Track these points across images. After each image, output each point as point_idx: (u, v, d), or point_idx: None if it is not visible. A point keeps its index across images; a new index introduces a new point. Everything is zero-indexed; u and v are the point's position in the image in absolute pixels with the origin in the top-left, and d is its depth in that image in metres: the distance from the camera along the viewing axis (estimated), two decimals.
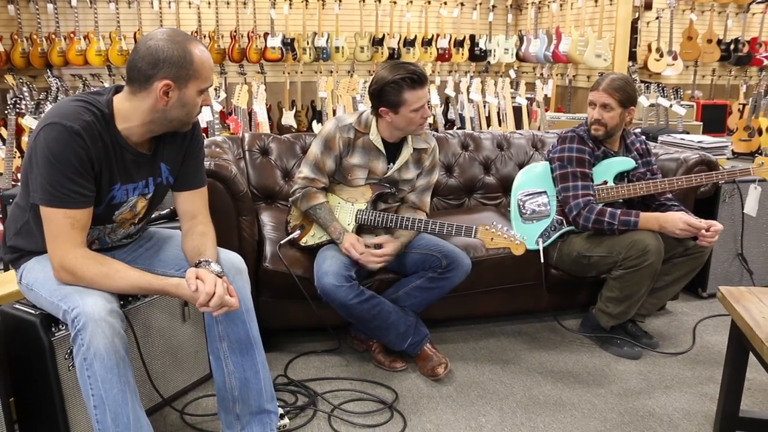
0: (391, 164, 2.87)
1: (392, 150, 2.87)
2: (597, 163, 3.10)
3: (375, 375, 2.86)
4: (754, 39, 9.38)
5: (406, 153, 2.87)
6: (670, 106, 6.76)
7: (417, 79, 2.65)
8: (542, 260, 2.93)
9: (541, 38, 8.33)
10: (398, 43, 8.67)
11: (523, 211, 3.14)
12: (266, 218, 3.24)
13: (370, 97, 2.76)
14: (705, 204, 3.59)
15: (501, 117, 7.20)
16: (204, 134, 5.92)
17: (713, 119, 7.59)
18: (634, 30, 7.96)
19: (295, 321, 3.04)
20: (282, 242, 2.92)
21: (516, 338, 3.22)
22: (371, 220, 2.84)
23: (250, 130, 5.80)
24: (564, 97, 8.54)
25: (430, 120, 2.84)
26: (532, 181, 3.19)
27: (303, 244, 2.93)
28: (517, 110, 7.29)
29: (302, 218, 2.98)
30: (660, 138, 4.43)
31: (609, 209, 2.99)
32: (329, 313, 2.81)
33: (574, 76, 8.41)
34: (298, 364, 2.94)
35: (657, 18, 8.58)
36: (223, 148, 3.33)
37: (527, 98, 7.18)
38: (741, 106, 8.74)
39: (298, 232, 2.95)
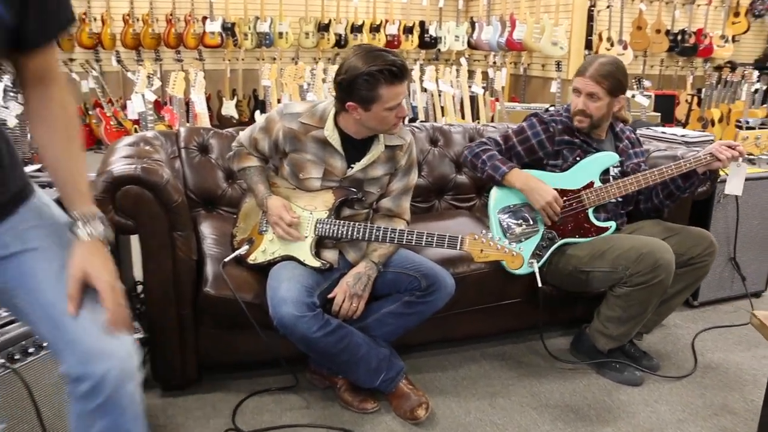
0: (354, 164, 2.34)
1: (358, 147, 2.34)
2: (574, 154, 2.65)
3: (342, 419, 2.34)
4: (699, 30, 9.19)
5: (376, 151, 2.35)
6: (633, 96, 6.43)
7: (397, 73, 2.13)
8: (539, 283, 2.45)
9: (494, 25, 7.89)
10: (345, 28, 8.10)
11: (507, 231, 2.64)
12: (207, 229, 2.68)
13: (337, 88, 2.22)
14: (700, 207, 3.18)
15: (455, 107, 6.74)
16: (136, 127, 5.27)
17: (663, 110, 7.33)
18: (590, 18, 7.59)
19: (244, 355, 2.50)
20: (226, 260, 2.37)
21: (501, 363, 2.75)
22: (334, 231, 2.32)
23: (188, 121, 5.18)
24: (518, 86, 8.14)
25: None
26: (510, 194, 2.68)
27: (252, 262, 2.38)
28: (471, 100, 6.84)
29: (252, 230, 2.44)
30: (638, 132, 4.01)
31: (493, 151, 2.64)
32: (283, 343, 2.26)
33: (528, 64, 8.01)
34: (248, 408, 2.39)
35: (608, 7, 8.27)
36: (154, 146, 2.74)
37: (483, 87, 6.73)
38: (689, 97, 8.54)
39: (245, 247, 2.40)
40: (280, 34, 7.81)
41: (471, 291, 2.59)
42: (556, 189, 2.57)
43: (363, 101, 2.16)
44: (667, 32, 8.86)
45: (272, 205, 2.34)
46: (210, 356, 2.44)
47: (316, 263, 2.31)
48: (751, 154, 2.65)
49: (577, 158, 2.65)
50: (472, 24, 8.40)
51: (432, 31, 8.54)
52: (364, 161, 2.34)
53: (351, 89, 2.15)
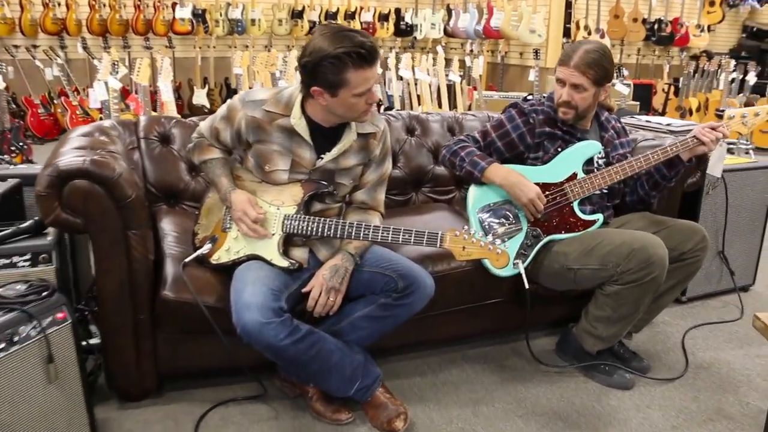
0: (324, 155, 2.14)
1: (328, 136, 2.14)
2: (555, 145, 2.48)
3: (314, 430, 2.15)
4: (675, 19, 9.09)
5: (347, 140, 2.15)
6: (613, 84, 6.29)
7: (365, 56, 1.92)
8: (526, 285, 2.26)
9: (471, 12, 7.70)
10: (319, 15, 7.86)
11: (489, 231, 2.43)
12: (168, 226, 2.46)
13: (301, 72, 2.02)
14: (689, 199, 3.02)
15: (432, 95, 6.55)
16: (99, 115, 5.01)
17: (640, 99, 7.22)
18: (568, 5, 7.43)
19: (207, 362, 2.29)
20: (187, 260, 2.16)
21: (483, 366, 2.57)
22: (303, 227, 2.12)
23: (155, 110, 4.92)
24: (495, 74, 7.97)
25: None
26: (490, 192, 2.48)
27: (215, 262, 2.18)
28: (448, 88, 6.66)
29: (215, 227, 2.23)
30: (622, 120, 3.85)
31: (472, 147, 2.46)
32: (250, 349, 2.04)
33: (506, 52, 7.83)
34: (213, 420, 2.18)
35: None
36: (111, 136, 2.52)
37: (460, 76, 6.55)
38: (666, 86, 8.43)
39: (208, 246, 2.19)
40: (253, 21, 7.54)
41: (451, 291, 2.40)
42: (537, 183, 2.39)
43: (329, 86, 1.96)
44: (644, 21, 8.75)
45: (236, 199, 2.13)
46: (170, 364, 2.23)
47: (284, 263, 2.11)
48: (739, 134, 2.50)
49: (559, 149, 2.47)
50: (449, 11, 8.20)
51: (408, 19, 8.32)
52: (335, 151, 2.14)
53: (316, 73, 1.95)
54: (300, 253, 2.19)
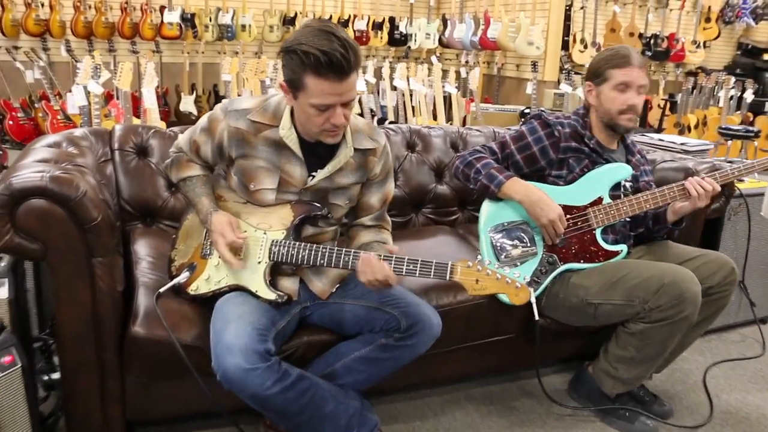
0: (316, 172, 1.88)
1: (320, 151, 1.87)
2: (581, 164, 2.23)
3: None
4: (672, 35, 8.92)
5: (343, 156, 1.88)
6: None
7: (329, 65, 1.62)
8: (536, 316, 1.99)
9: (467, 23, 7.46)
10: None
11: (500, 253, 2.19)
12: (143, 249, 2.18)
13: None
14: (708, 226, 2.77)
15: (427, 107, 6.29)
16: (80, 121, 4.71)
17: None
18: (566, 17, 7.22)
19: (182, 407, 2.00)
20: (161, 290, 1.88)
21: (489, 408, 2.30)
22: (293, 255, 1.84)
23: (138, 117, 4.63)
24: (491, 86, 7.73)
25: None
26: (505, 210, 2.23)
27: (193, 293, 1.90)
28: (445, 100, 6.40)
29: (193, 253, 1.95)
30: (631, 138, 3.61)
31: (488, 159, 2.21)
32: (232, 394, 1.76)
33: (502, 64, 7.60)
34: None
35: (582, 8, 7.92)
36: (81, 147, 2.25)
37: (456, 87, 6.30)
38: (662, 102, 8.24)
39: (186, 274, 1.92)
40: (243, 26, 7.25)
41: (457, 327, 2.14)
42: (559, 205, 2.14)
43: (290, 84, 1.72)
44: (641, 35, 8.56)
45: (216, 221, 1.86)
46: (140, 409, 1.95)
47: (271, 295, 1.84)
48: None
49: (585, 169, 2.22)
50: (444, 21, 7.96)
51: (402, 28, 8.07)
52: (330, 168, 1.87)
53: (284, 63, 1.71)
54: (289, 284, 1.92)
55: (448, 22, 7.82)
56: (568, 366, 2.55)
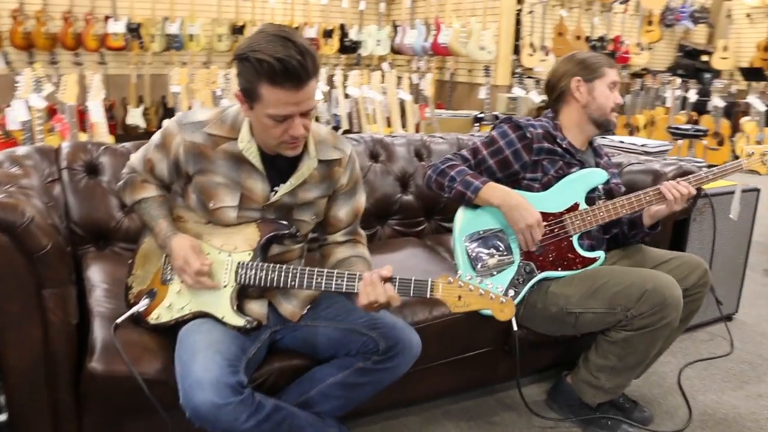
0: (278, 186, 1.76)
1: (281, 165, 1.75)
2: (555, 166, 2.17)
3: None
4: (617, 37, 9.06)
5: (306, 168, 1.76)
6: None
7: (285, 73, 1.50)
8: (515, 327, 1.90)
9: (418, 29, 7.41)
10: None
11: (476, 263, 2.10)
12: (97, 275, 2.02)
13: None
14: (675, 228, 2.74)
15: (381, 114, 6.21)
16: (22, 137, 4.47)
17: None
18: (517, 22, 7.24)
19: None
20: (119, 320, 1.73)
21: (469, 424, 2.21)
22: (261, 278, 1.72)
23: (84, 132, 4.41)
24: (443, 92, 7.69)
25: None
26: (480, 217, 2.15)
27: (153, 322, 1.76)
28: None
29: (152, 279, 1.81)
30: (597, 141, 3.59)
31: (462, 166, 2.13)
32: (201, 429, 1.63)
33: (455, 69, 7.57)
34: None
35: (530, 12, 7.97)
36: (25, 167, 2.09)
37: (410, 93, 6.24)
38: None
39: (145, 301, 1.77)
40: (191, 36, 7.05)
41: (433, 344, 2.03)
42: None
43: (245, 93, 1.60)
44: (587, 38, 8.66)
45: (177, 246, 1.72)
46: None
47: (239, 321, 1.71)
48: (757, 173, 2.22)
49: (560, 171, 2.16)
50: (395, 27, 7.90)
51: (352, 35, 7.98)
52: (293, 181, 1.75)
53: (237, 72, 1.59)
54: (257, 308, 1.79)
55: (399, 28, 7.77)
56: (544, 376, 2.48)
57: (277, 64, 1.49)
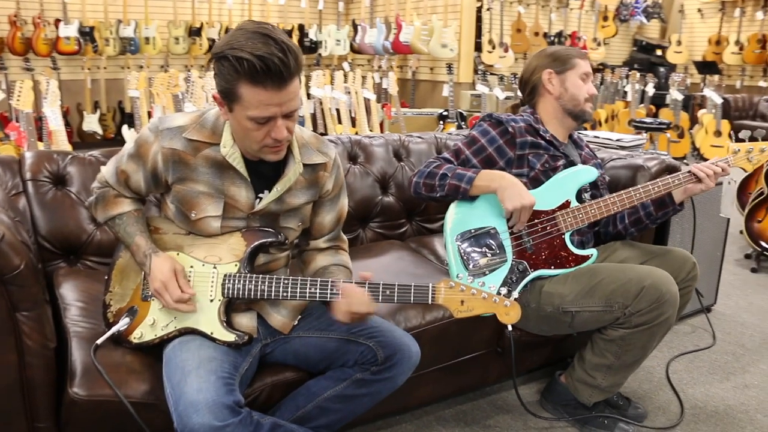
0: (263, 193, 1.67)
1: (264, 170, 1.66)
2: (541, 160, 2.13)
3: None
4: (574, 33, 9.16)
5: (292, 173, 1.68)
6: None
7: (266, 72, 1.41)
8: (509, 328, 1.84)
9: (378, 27, 7.35)
10: (219, 33, 7.28)
11: (468, 262, 2.04)
12: (70, 293, 1.89)
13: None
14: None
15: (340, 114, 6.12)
16: None
17: None
18: (478, 19, 7.24)
19: None
20: (99, 341, 1.62)
21: (465, 430, 2.15)
22: (250, 290, 1.63)
23: (41, 140, 4.22)
24: (406, 90, 7.64)
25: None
26: (471, 216, 2.09)
27: (136, 341, 1.65)
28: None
29: (132, 296, 1.70)
30: (577, 133, 3.57)
31: (449, 165, 2.09)
32: None
33: (417, 68, 7.53)
34: None
35: (488, 9, 7.98)
36: None
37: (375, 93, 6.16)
38: None
39: (126, 320, 1.66)
40: (147, 39, 6.87)
41: (426, 350, 1.95)
42: None
43: (224, 95, 1.50)
44: (545, 35, 8.73)
45: (156, 267, 1.61)
46: None
47: (229, 336, 1.61)
48: (743, 170, 2.21)
49: (545, 165, 2.12)
50: (355, 27, 7.82)
51: (312, 35, 7.88)
52: (279, 187, 1.66)
53: (215, 73, 1.49)
54: (247, 321, 1.70)
55: (359, 27, 7.69)
56: (535, 376, 2.45)
57: (257, 62, 1.40)
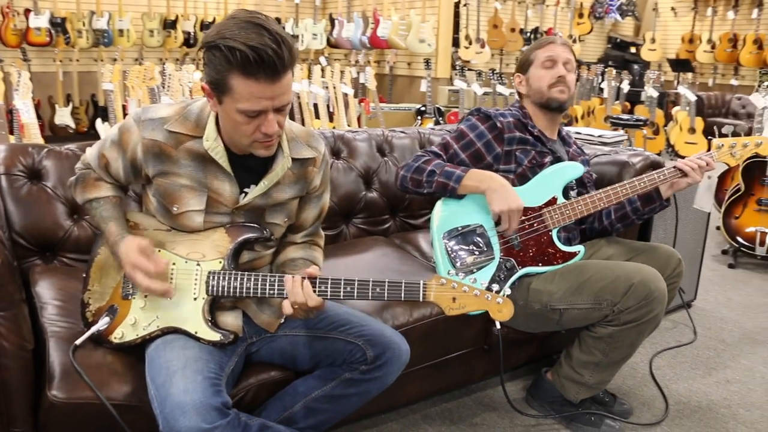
0: (248, 188, 1.62)
1: (251, 164, 1.61)
2: (528, 156, 2.12)
3: None
4: (549, 29, 9.20)
5: (281, 167, 1.63)
6: (510, 94, 6.10)
7: (259, 63, 1.36)
8: (498, 326, 1.80)
9: (356, 22, 7.29)
10: (194, 25, 7.17)
11: (456, 260, 2.01)
12: (46, 291, 1.83)
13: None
14: None
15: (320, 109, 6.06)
16: None
17: None
18: (456, 14, 7.22)
19: None
20: (78, 342, 1.55)
21: (451, 428, 2.12)
22: (235, 288, 1.58)
23: (12, 133, 4.11)
24: (383, 85, 7.59)
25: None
26: (458, 214, 2.06)
27: (117, 341, 1.59)
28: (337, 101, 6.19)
29: (112, 294, 1.64)
30: (566, 130, 3.55)
31: (438, 160, 2.06)
32: None
33: (394, 62, 7.49)
34: None
35: (465, 5, 7.97)
36: None
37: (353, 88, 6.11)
38: None
39: (105, 320, 1.60)
40: (121, 31, 6.73)
41: (416, 348, 1.91)
42: None
43: (214, 85, 1.44)
44: (521, 31, 8.75)
45: (124, 250, 1.54)
46: None
47: (215, 336, 1.56)
48: (726, 164, 2.21)
49: (533, 161, 2.10)
50: (332, 21, 7.76)
51: (288, 29, 7.79)
52: (266, 182, 1.61)
53: (206, 62, 1.43)
54: (232, 320, 1.64)
55: (336, 21, 7.63)
56: (519, 373, 2.43)
57: (250, 53, 1.35)
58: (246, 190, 1.62)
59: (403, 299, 1.57)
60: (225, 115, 1.49)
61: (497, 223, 2.02)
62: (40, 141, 3.84)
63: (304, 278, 1.53)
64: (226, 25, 1.40)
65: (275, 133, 1.49)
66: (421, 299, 1.56)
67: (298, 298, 1.51)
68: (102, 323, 1.59)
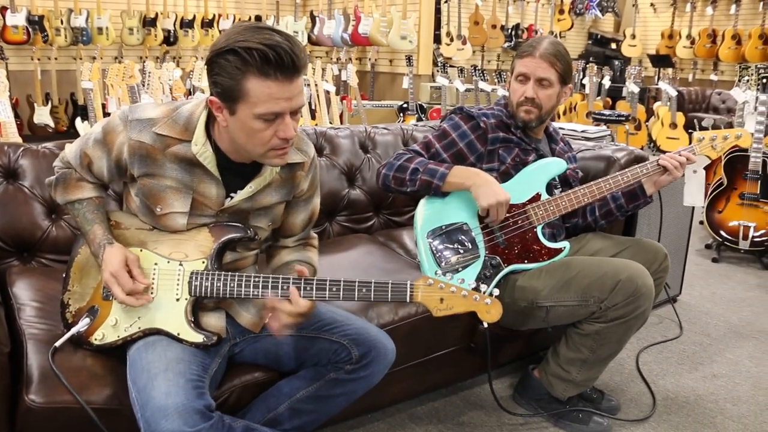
0: (235, 192, 1.59)
1: (239, 168, 1.57)
2: (512, 154, 2.09)
3: None
4: (530, 26, 9.20)
5: (269, 173, 1.59)
6: (493, 90, 6.09)
7: (279, 61, 1.34)
8: (485, 324, 1.78)
9: (337, 19, 7.24)
10: (174, 23, 7.07)
11: (441, 259, 1.99)
12: (24, 291, 1.78)
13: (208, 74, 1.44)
14: None
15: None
16: None
17: None
18: (437, 11, 7.19)
19: None
20: (58, 344, 1.51)
21: (438, 427, 2.10)
22: (218, 288, 1.54)
23: None
24: (365, 82, 7.55)
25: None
26: (442, 212, 2.04)
27: (97, 342, 1.55)
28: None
29: (92, 295, 1.60)
30: (554, 126, 3.54)
31: (421, 158, 2.04)
32: None
33: (376, 59, 7.45)
34: None
35: (446, 2, 7.95)
36: None
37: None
38: None
39: (86, 321, 1.56)
40: (100, 29, 6.62)
41: (401, 347, 1.87)
42: None
43: (225, 96, 1.40)
44: (502, 27, 8.74)
45: (108, 259, 1.51)
46: None
47: (197, 337, 1.53)
48: (708, 158, 2.20)
49: (516, 159, 2.08)
50: (313, 18, 7.70)
51: None
52: (254, 186, 1.58)
53: (212, 74, 1.39)
54: (215, 321, 1.61)
55: (317, 19, 7.57)
56: (505, 370, 2.42)
57: (269, 51, 1.32)
58: (232, 194, 1.59)
59: (390, 300, 1.55)
60: (239, 126, 1.43)
61: (482, 219, 2.00)
62: (18, 140, 3.77)
63: (288, 283, 1.50)
64: (233, 32, 1.38)
65: (292, 137, 1.45)
66: (408, 300, 1.54)
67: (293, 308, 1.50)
68: (82, 324, 1.55)
